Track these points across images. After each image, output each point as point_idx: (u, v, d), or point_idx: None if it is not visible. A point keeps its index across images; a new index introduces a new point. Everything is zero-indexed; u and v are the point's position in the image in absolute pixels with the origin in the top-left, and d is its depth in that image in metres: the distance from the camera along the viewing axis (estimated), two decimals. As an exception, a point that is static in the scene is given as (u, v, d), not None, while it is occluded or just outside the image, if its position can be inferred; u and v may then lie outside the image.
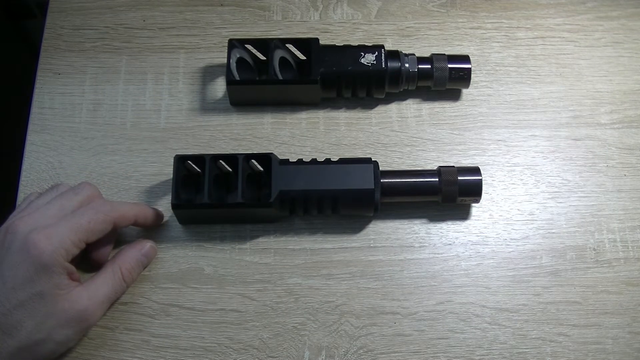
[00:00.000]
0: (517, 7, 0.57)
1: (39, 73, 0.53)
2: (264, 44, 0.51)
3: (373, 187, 0.46)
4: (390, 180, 0.47)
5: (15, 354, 0.39)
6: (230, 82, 0.50)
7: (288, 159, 0.48)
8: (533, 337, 0.46)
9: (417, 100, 0.53)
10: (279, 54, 0.51)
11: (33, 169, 0.50)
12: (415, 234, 0.49)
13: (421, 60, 0.51)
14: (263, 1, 0.57)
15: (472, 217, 0.49)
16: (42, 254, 0.39)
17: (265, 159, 0.47)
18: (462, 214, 0.49)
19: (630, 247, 0.49)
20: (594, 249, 0.48)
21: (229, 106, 0.53)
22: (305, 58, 0.52)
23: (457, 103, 0.53)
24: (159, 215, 0.47)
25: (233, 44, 0.50)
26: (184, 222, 0.48)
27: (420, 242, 0.48)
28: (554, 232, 0.49)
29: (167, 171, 0.49)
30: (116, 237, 0.46)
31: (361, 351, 0.45)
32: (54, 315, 0.40)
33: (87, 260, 0.44)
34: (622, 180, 0.51)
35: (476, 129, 0.52)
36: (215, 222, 0.48)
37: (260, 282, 0.47)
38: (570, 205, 0.50)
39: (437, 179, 0.47)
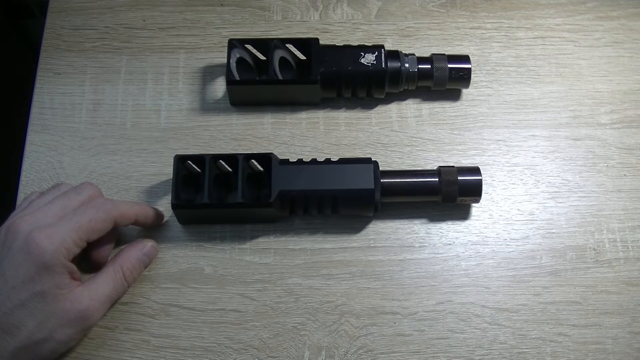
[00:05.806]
0: (517, 7, 0.57)
1: (39, 73, 0.53)
2: (264, 44, 0.51)
3: (373, 187, 0.46)
4: (390, 180, 0.47)
5: (16, 354, 0.39)
6: (230, 82, 0.50)
7: (288, 159, 0.48)
8: (533, 337, 0.46)
9: (417, 100, 0.53)
10: (279, 54, 0.51)
11: (33, 169, 0.50)
12: (415, 234, 0.49)
13: (421, 60, 0.51)
14: (263, 1, 0.57)
15: (472, 217, 0.49)
16: (44, 253, 0.39)
17: (265, 159, 0.47)
18: (462, 214, 0.49)
19: (630, 247, 0.49)
20: (594, 249, 0.49)
21: (229, 106, 0.53)
22: (305, 58, 0.52)
23: (457, 103, 0.53)
24: (159, 215, 0.47)
25: (233, 44, 0.50)
26: (184, 222, 0.48)
27: (420, 242, 0.48)
28: (554, 232, 0.49)
29: (167, 171, 0.49)
30: (117, 236, 0.46)
31: (361, 351, 0.45)
32: (55, 315, 0.40)
33: (88, 260, 0.44)
34: (622, 180, 0.51)
35: (476, 129, 0.52)
36: (215, 222, 0.48)
37: (260, 282, 0.47)
38: (570, 205, 0.50)
39: (437, 179, 0.47)
